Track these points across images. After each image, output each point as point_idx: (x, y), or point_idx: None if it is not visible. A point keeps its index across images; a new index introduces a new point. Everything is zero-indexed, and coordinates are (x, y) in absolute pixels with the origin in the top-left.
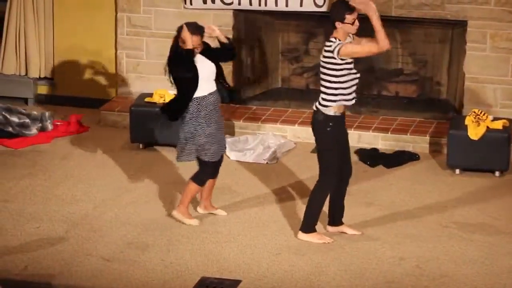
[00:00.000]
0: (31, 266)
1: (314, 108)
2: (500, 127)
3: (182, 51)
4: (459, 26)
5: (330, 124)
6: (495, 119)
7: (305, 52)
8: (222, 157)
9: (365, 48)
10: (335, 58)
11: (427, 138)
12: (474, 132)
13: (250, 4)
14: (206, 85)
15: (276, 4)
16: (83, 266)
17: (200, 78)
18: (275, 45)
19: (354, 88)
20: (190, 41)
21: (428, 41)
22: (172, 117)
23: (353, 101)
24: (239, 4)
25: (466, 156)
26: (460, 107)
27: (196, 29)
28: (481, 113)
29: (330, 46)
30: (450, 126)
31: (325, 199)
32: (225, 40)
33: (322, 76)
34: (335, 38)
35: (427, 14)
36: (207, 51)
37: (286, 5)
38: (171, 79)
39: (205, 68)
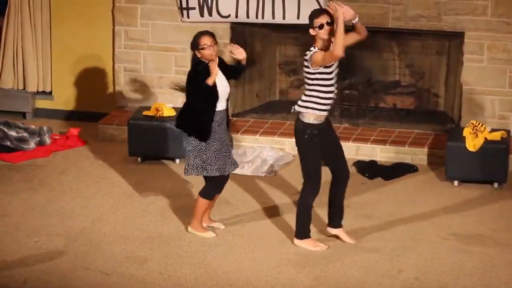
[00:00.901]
0: (30, 281)
1: (295, 110)
2: (498, 138)
3: (198, 65)
4: (456, 37)
5: (308, 131)
6: (493, 130)
7: (302, 65)
8: (228, 173)
9: (323, 56)
10: (309, 68)
11: (425, 150)
12: (472, 143)
13: (247, 16)
14: (221, 99)
15: (273, 17)
16: (82, 280)
17: (220, 91)
18: (273, 58)
19: (329, 100)
20: (214, 75)
21: (425, 53)
22: (203, 137)
23: (326, 112)
24: (236, 16)
25: (464, 167)
26: (458, 119)
27: (206, 32)
28: (479, 124)
29: (306, 54)
30: (448, 138)
31: (310, 205)
32: (244, 63)
33: (305, 82)
34: (314, 47)
35: (424, 26)
36: (222, 67)
37: (283, 18)
38: (188, 93)
39: (220, 84)
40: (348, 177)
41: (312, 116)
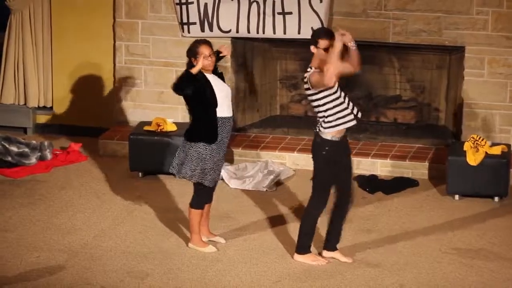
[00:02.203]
0: None
1: (315, 131)
2: (499, 152)
3: (186, 72)
4: (457, 52)
5: (326, 148)
6: (493, 144)
7: (303, 79)
8: (216, 182)
9: (319, 78)
10: (310, 89)
11: (426, 164)
12: (473, 158)
13: (248, 31)
14: (220, 107)
15: (274, 32)
16: None
17: (220, 98)
18: (273, 73)
19: (343, 112)
20: (200, 62)
21: (426, 67)
22: (212, 139)
23: (350, 123)
24: (237, 31)
25: (465, 182)
26: (458, 133)
27: (205, 40)
28: (479, 138)
29: (305, 77)
30: (448, 152)
31: (315, 220)
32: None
33: (311, 104)
34: (311, 68)
35: (424, 40)
36: (221, 74)
37: (284, 33)
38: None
39: (218, 89)
40: (350, 201)
41: (330, 133)
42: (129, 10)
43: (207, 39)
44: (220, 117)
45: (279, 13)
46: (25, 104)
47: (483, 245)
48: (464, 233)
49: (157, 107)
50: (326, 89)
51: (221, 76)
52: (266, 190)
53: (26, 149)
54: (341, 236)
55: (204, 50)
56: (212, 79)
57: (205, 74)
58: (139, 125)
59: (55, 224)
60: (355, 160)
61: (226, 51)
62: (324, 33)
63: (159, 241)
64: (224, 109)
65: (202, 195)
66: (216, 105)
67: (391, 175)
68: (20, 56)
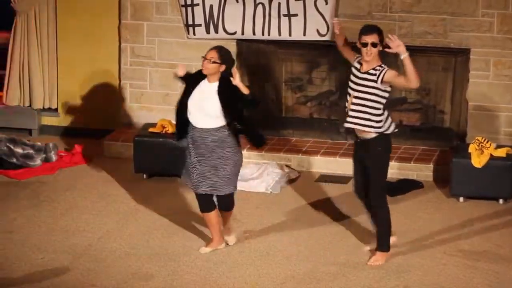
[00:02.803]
0: None
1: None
2: (504, 155)
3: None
4: (462, 54)
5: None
6: (498, 147)
7: (308, 81)
8: (227, 196)
9: (399, 80)
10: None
11: (431, 166)
12: (478, 160)
13: (254, 33)
14: (193, 114)
15: (280, 34)
16: None
17: (189, 103)
18: (279, 74)
19: (349, 108)
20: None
21: (431, 69)
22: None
23: (349, 124)
24: (243, 33)
25: (470, 184)
26: (463, 135)
27: (216, 47)
28: (484, 141)
29: (377, 69)
30: (453, 154)
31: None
32: (245, 91)
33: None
34: (360, 56)
35: (430, 43)
36: (224, 89)
37: (289, 35)
38: None
39: (195, 98)
40: (369, 206)
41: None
42: (135, 12)
43: (215, 40)
44: (192, 125)
45: (284, 15)
46: (30, 105)
47: (487, 247)
48: (468, 235)
49: (162, 109)
50: (351, 81)
51: (226, 87)
52: (271, 192)
53: (31, 151)
54: (378, 239)
55: (205, 53)
56: (204, 88)
57: (205, 79)
58: (144, 127)
59: (59, 226)
60: None
61: (235, 80)
62: (367, 28)
63: (164, 242)
64: (195, 118)
65: (197, 199)
66: (180, 108)
67: (396, 177)
68: (25, 57)
